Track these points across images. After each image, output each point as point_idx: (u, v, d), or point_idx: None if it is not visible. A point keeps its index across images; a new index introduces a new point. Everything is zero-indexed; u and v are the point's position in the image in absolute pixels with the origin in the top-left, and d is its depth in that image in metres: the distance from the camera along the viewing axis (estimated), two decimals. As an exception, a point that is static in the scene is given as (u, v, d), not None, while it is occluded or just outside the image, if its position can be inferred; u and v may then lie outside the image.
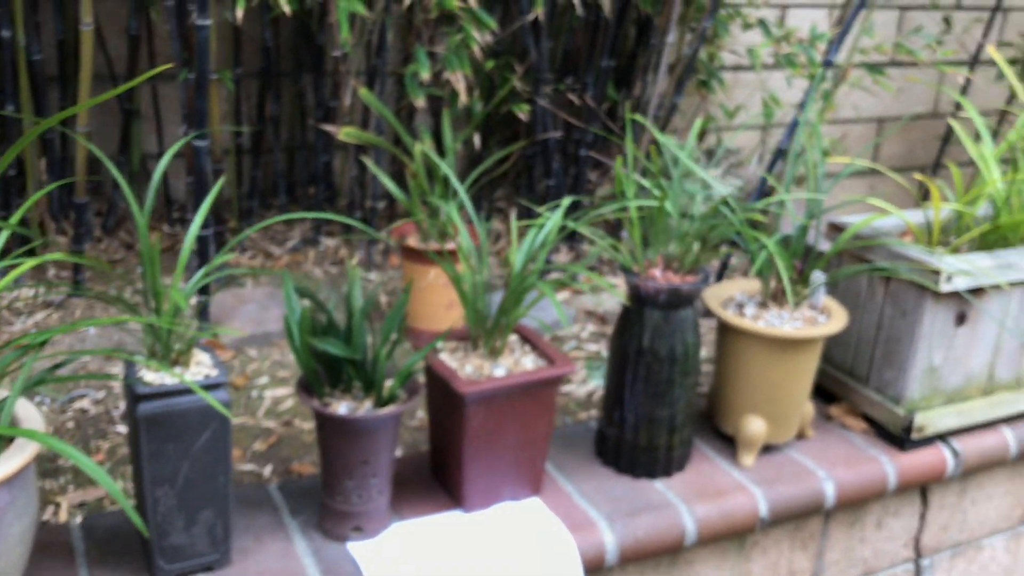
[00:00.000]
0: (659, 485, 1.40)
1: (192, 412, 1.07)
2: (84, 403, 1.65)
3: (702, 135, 2.78)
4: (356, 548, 1.22)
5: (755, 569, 1.50)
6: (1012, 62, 2.99)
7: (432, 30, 2.12)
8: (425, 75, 1.97)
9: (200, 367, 1.11)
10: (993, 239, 1.53)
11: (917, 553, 1.68)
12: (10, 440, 0.99)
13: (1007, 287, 1.49)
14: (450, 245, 1.76)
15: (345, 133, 1.96)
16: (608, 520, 1.31)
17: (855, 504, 1.53)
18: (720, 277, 2.07)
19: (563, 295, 2.17)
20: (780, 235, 1.38)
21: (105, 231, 2.17)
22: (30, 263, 1.05)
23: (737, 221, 1.36)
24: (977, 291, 1.48)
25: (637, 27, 2.39)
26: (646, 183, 1.37)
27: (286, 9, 1.76)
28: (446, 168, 1.47)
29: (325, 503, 1.23)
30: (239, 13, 1.75)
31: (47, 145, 1.98)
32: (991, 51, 1.76)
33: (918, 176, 1.58)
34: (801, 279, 1.44)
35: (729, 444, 1.50)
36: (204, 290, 1.83)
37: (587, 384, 1.79)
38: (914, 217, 1.58)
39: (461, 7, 1.92)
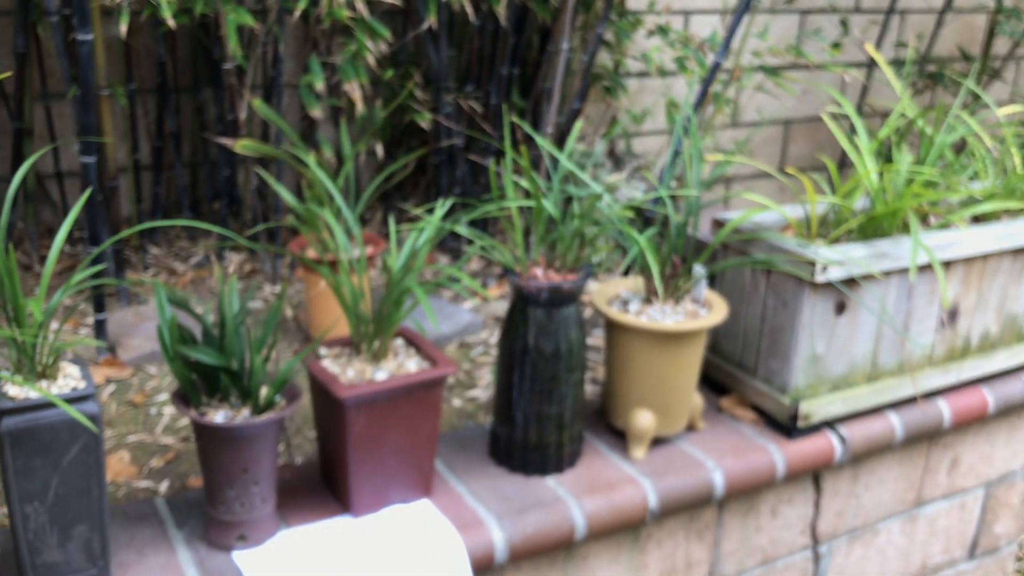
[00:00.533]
0: (550, 482, 1.41)
1: (59, 426, 1.06)
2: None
3: (611, 140, 2.83)
4: (241, 557, 1.21)
5: (651, 562, 1.52)
6: (909, 62, 3.09)
7: (328, 40, 2.12)
8: (319, 85, 1.97)
9: (68, 380, 1.10)
10: (870, 230, 1.58)
11: (814, 540, 1.72)
12: None
13: (882, 276, 1.54)
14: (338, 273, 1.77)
15: (241, 146, 1.95)
16: (497, 518, 1.32)
17: (747, 493, 1.57)
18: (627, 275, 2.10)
19: (472, 301, 2.18)
20: (653, 231, 1.41)
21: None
22: None
23: (616, 219, 1.39)
24: (855, 280, 1.52)
25: (540, 35, 2.42)
26: (525, 184, 1.39)
27: (171, 23, 1.75)
28: (324, 178, 1.48)
29: (209, 513, 1.23)
30: (123, 28, 1.74)
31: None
32: (868, 48, 1.81)
33: (790, 170, 1.62)
34: (682, 274, 1.47)
35: (621, 439, 1.53)
36: (100, 307, 1.81)
37: (491, 390, 1.80)
38: (795, 212, 1.63)
39: (352, 17, 1.93)
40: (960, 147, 1.90)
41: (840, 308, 1.54)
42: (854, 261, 1.48)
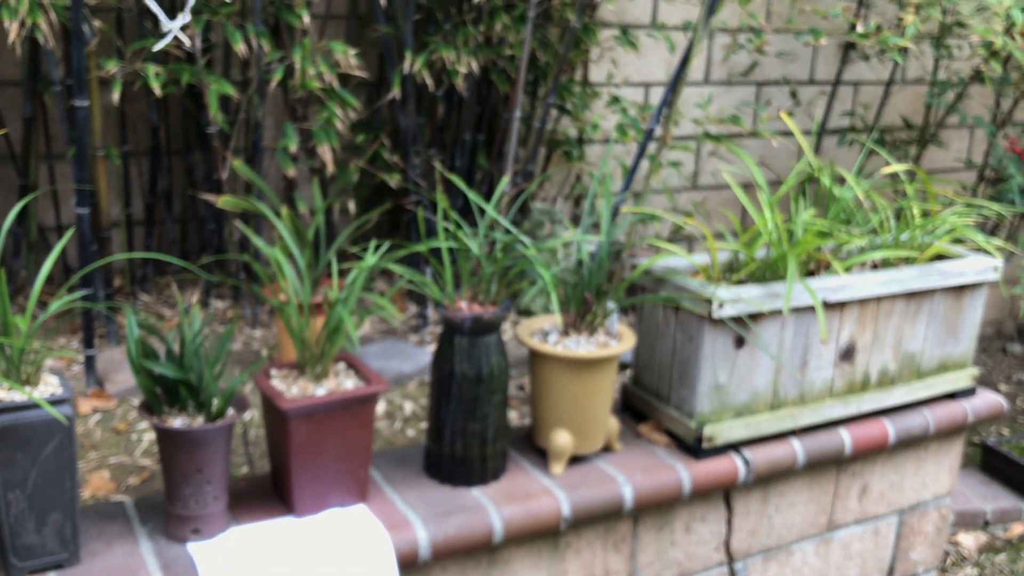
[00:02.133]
0: (475, 492, 1.60)
1: (39, 424, 1.26)
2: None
3: (577, 200, 3.05)
4: (194, 548, 1.40)
5: (571, 569, 1.69)
6: (849, 130, 3.33)
7: (305, 108, 2.36)
8: (293, 148, 2.20)
9: (48, 387, 1.30)
10: (767, 274, 1.78)
11: (729, 557, 1.89)
12: None
13: (774, 314, 1.74)
14: (317, 298, 1.98)
15: (223, 201, 2.18)
16: (423, 520, 1.51)
17: (659, 508, 1.74)
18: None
19: (434, 347, 2.38)
20: (557, 270, 1.62)
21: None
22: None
23: (533, 258, 1.59)
24: (756, 317, 1.72)
25: (505, 104, 2.66)
26: (452, 230, 1.61)
27: (157, 91, 1.99)
28: (282, 228, 1.69)
29: (168, 510, 1.42)
30: (116, 96, 1.98)
31: (-52, 219, 2.17)
32: (782, 116, 2.04)
33: (690, 220, 1.83)
34: (596, 309, 1.67)
35: (545, 457, 1.71)
36: (90, 344, 2.02)
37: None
38: (702, 259, 1.83)
39: (323, 88, 2.17)
40: (899, 209, 2.09)
41: (740, 342, 1.73)
42: (746, 300, 1.68)
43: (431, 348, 2.37)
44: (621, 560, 1.75)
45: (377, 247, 1.59)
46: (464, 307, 1.57)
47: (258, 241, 1.93)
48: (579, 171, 3.02)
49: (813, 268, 1.89)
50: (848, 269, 1.87)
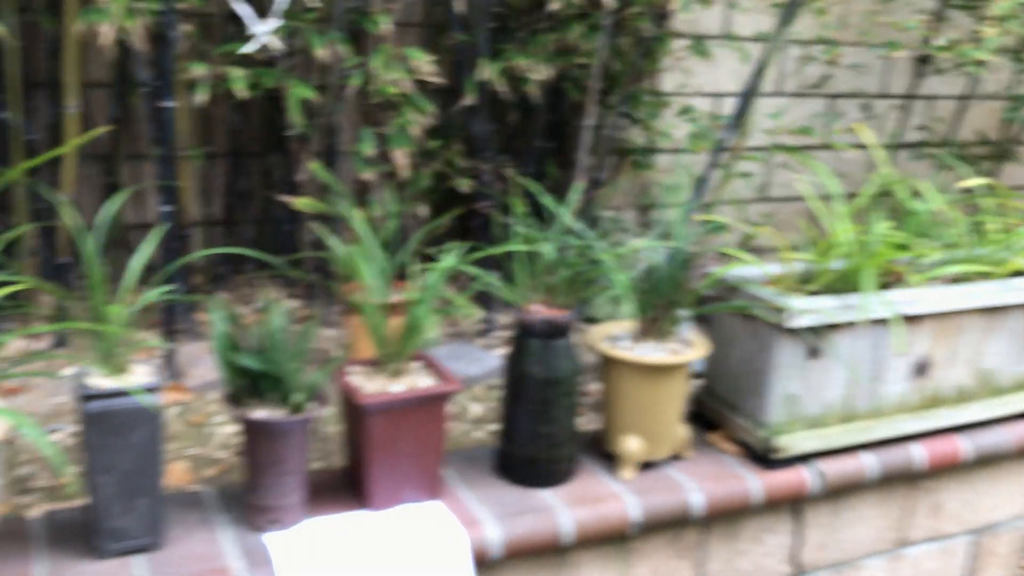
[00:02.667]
0: (544, 493, 1.61)
1: (130, 412, 1.30)
2: (60, 436, 1.88)
3: (644, 209, 3.06)
4: (271, 538, 1.43)
5: (638, 575, 1.70)
6: (928, 143, 3.28)
7: (380, 114, 2.41)
8: (369, 152, 2.24)
9: (139, 376, 1.35)
10: (842, 285, 1.77)
11: (797, 568, 1.88)
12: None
13: (850, 326, 1.72)
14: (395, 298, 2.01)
15: (301, 203, 2.23)
16: (495, 519, 1.53)
17: (728, 517, 1.74)
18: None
19: (502, 350, 2.41)
20: (633, 275, 1.63)
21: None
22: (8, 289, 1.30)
23: (607, 264, 1.61)
24: (829, 328, 1.71)
25: (574, 114, 2.68)
26: (531, 233, 1.63)
27: (243, 94, 2.04)
28: (363, 229, 1.72)
29: (248, 500, 1.45)
30: (202, 98, 2.04)
31: (38, 215, 2.25)
32: (856, 128, 2.02)
33: (763, 229, 1.83)
34: (667, 317, 1.67)
35: (613, 462, 1.72)
36: (171, 339, 2.08)
37: (511, 424, 2.01)
38: (777, 269, 1.83)
39: (399, 93, 2.21)
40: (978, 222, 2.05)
41: (813, 353, 1.72)
42: (821, 311, 1.67)
43: (498, 352, 2.39)
44: (688, 568, 1.74)
45: (452, 250, 1.61)
46: (538, 310, 1.59)
47: (334, 243, 1.98)
48: (646, 180, 3.03)
49: (888, 281, 1.87)
50: (924, 283, 1.85)
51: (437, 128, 2.59)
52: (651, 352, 1.64)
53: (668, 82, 2.97)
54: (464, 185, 2.48)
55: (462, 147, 2.53)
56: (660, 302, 1.65)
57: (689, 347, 1.68)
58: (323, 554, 1.41)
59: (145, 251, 1.41)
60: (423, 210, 2.55)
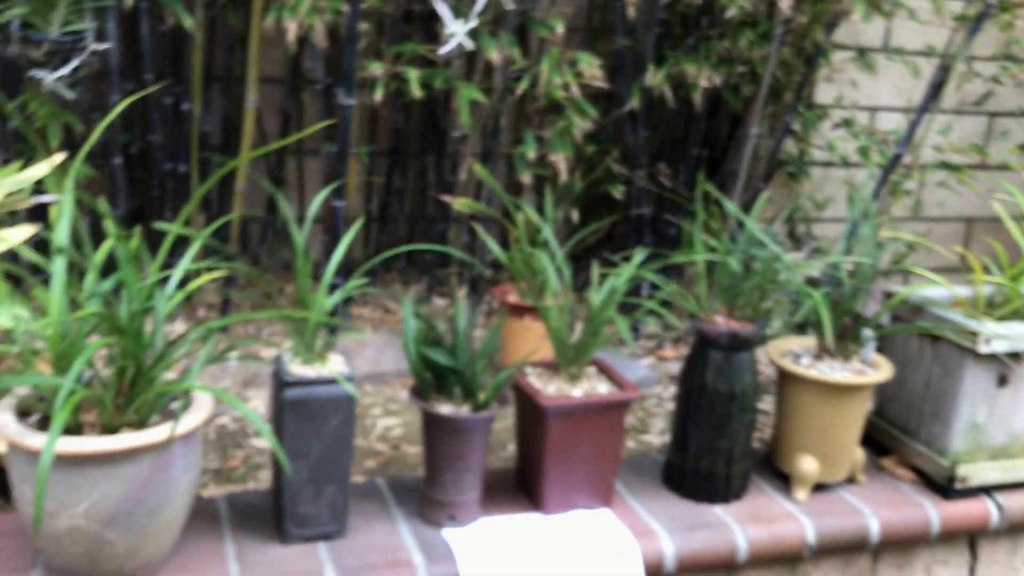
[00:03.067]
0: (717, 509, 1.58)
1: (326, 399, 1.32)
2: (224, 419, 1.93)
3: (791, 223, 2.98)
4: (449, 533, 1.44)
5: (805, 598, 1.65)
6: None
7: (541, 117, 2.41)
8: (531, 155, 2.24)
9: (334, 365, 1.37)
10: (1036, 311, 1.69)
11: (967, 606, 1.79)
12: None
13: (1047, 354, 1.64)
14: (546, 302, 2.01)
15: (460, 203, 2.25)
16: (668, 532, 1.50)
17: (901, 546, 1.67)
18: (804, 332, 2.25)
19: (649, 359, 2.38)
20: (826, 290, 1.58)
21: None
22: (214, 275, 1.34)
23: (794, 277, 1.56)
24: (1017, 356, 1.63)
25: (730, 123, 2.64)
26: (713, 242, 1.60)
27: (417, 94, 2.07)
28: (547, 231, 1.72)
29: (425, 494, 1.46)
30: (378, 97, 2.08)
31: (207, 204, 2.33)
32: (1015, 164, 1.93)
33: (957, 249, 1.75)
34: (851, 336, 1.62)
35: (786, 482, 1.67)
36: (332, 331, 2.12)
37: (664, 436, 1.98)
38: (962, 291, 1.75)
39: (566, 97, 2.21)
40: None
41: (1002, 380, 1.64)
42: (1015, 337, 1.59)
43: (645, 361, 2.37)
44: (856, 596, 1.69)
45: (635, 256, 1.59)
46: (720, 321, 1.56)
47: (493, 245, 1.98)
48: (795, 193, 2.95)
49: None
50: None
51: (591, 133, 2.58)
52: (834, 371, 1.59)
53: (822, 94, 2.89)
54: (617, 191, 2.46)
55: (616, 153, 2.52)
56: (847, 320, 1.60)
57: (873, 368, 1.62)
58: (500, 553, 1.41)
59: (344, 243, 1.43)
60: (575, 215, 2.54)
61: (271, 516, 1.45)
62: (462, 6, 2.00)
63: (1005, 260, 1.74)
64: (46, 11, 1.71)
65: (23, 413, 1.24)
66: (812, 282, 2.23)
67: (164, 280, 1.28)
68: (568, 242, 2.20)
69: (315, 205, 1.44)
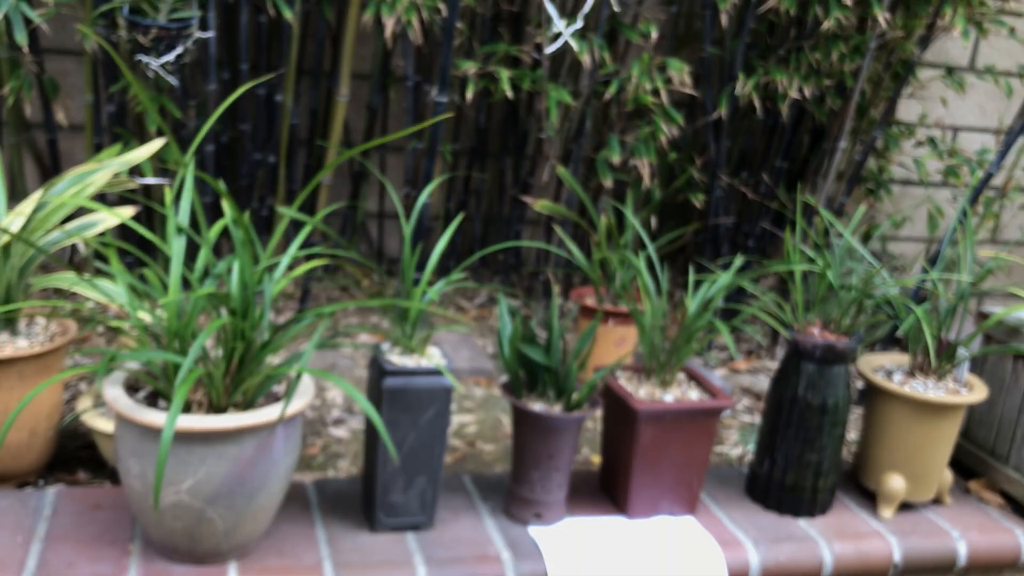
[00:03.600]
0: (802, 523, 1.56)
1: (423, 390, 1.33)
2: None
3: (867, 239, 2.95)
4: (536, 532, 1.44)
5: (886, 619, 1.62)
6: None
7: (624, 122, 2.40)
8: (616, 159, 2.24)
9: (432, 358, 1.38)
10: None
11: (1050, 637, 1.75)
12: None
13: None
14: (621, 308, 2.00)
15: (540, 205, 2.25)
16: (754, 543, 1.49)
17: (986, 572, 1.64)
18: (885, 348, 2.22)
19: (722, 371, 2.36)
20: (928, 304, 1.56)
21: (327, 271, 2.53)
22: (315, 262, 1.35)
23: (890, 291, 1.54)
24: (1119, 384, 1.60)
25: (811, 135, 2.61)
26: (810, 253, 1.58)
27: (509, 93, 2.07)
28: (637, 224, 1.72)
29: (512, 491, 1.47)
30: (469, 96, 2.09)
31: (290, 196, 2.35)
32: None
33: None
34: (946, 355, 1.60)
35: (870, 499, 1.65)
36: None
37: (738, 448, 1.96)
38: (1061, 313, 1.72)
39: (655, 103, 2.20)
40: None
41: (1101, 408, 1.61)
42: (1121, 363, 1.56)
43: (718, 372, 2.35)
44: (938, 620, 1.65)
45: (732, 263, 1.58)
46: (815, 333, 1.54)
47: (575, 249, 1.98)
48: (876, 209, 2.92)
49: None
50: None
51: (674, 141, 2.58)
52: (927, 389, 1.57)
53: (903, 111, 2.86)
54: (698, 200, 2.45)
55: (699, 162, 2.51)
56: (944, 338, 1.58)
57: (967, 388, 1.59)
58: (586, 554, 1.40)
59: (444, 240, 1.44)
60: (653, 221, 2.54)
61: (359, 504, 1.46)
62: (566, 6, 2.00)
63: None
64: (155, -2, 1.74)
65: (131, 388, 1.26)
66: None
67: (271, 266, 1.30)
68: (646, 249, 2.19)
69: (421, 199, 1.44)
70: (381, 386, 1.32)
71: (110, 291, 1.48)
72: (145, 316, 1.21)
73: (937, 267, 1.63)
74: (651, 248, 1.63)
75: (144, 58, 1.77)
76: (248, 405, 1.23)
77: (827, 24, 2.13)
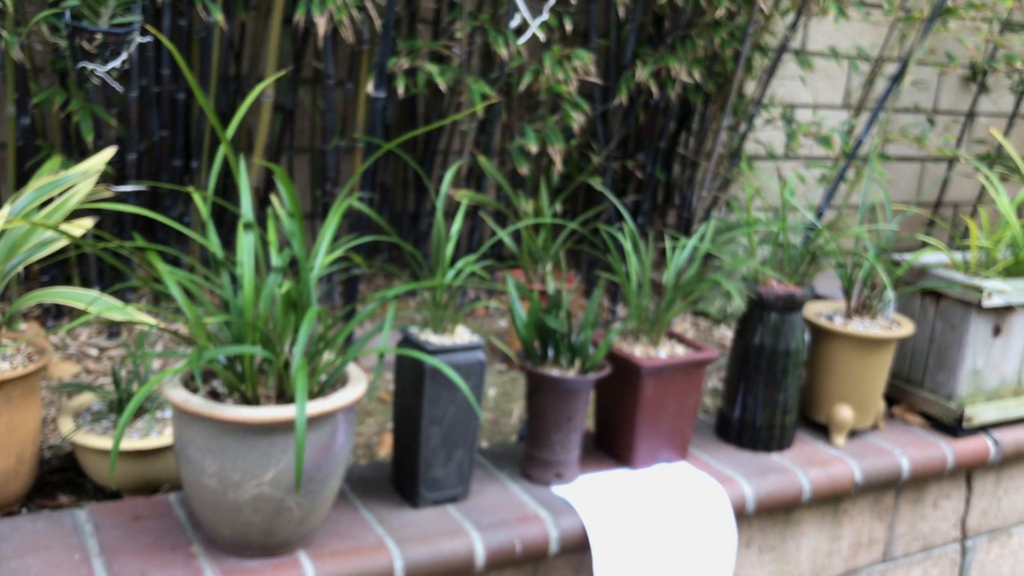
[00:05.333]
0: (775, 457, 1.74)
1: (460, 366, 1.40)
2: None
3: (731, 210, 3.22)
4: (560, 490, 1.54)
5: (845, 533, 1.83)
6: (985, 156, 3.51)
7: (529, 113, 2.53)
8: (533, 148, 2.36)
9: (462, 337, 1.45)
10: (1015, 271, 1.94)
11: (963, 534, 2.03)
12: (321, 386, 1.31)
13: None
14: (539, 286, 2.13)
15: (462, 195, 2.34)
16: (744, 477, 1.65)
17: (918, 482, 1.89)
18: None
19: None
20: (875, 250, 1.78)
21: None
22: (358, 241, 1.39)
23: (832, 246, 1.75)
24: (1007, 310, 1.88)
25: (677, 119, 2.82)
26: (762, 216, 1.76)
27: (443, 88, 2.15)
28: (610, 197, 1.84)
29: (531, 455, 1.56)
30: (400, 90, 2.15)
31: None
32: (994, 132, 2.21)
33: (939, 221, 1.99)
34: (874, 298, 1.82)
35: (821, 431, 1.86)
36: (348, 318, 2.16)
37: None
38: (951, 256, 1.99)
39: (563, 92, 2.34)
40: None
41: (996, 331, 1.89)
42: (1010, 292, 1.84)
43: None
44: (883, 529, 1.89)
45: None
46: (775, 285, 1.73)
47: (506, 238, 2.09)
48: (739, 183, 3.19)
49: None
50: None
51: (566, 128, 2.72)
52: (867, 328, 1.79)
53: (750, 91, 3.14)
54: (596, 183, 2.61)
55: (594, 146, 2.67)
56: (877, 281, 1.80)
57: (896, 325, 1.83)
58: (611, 505, 1.52)
59: (455, 228, 1.51)
60: (559, 206, 2.67)
61: (388, 485, 1.51)
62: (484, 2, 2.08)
63: (975, 232, 1.99)
64: (97, 4, 1.70)
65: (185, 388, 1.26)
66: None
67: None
68: (566, 229, 2.33)
69: (445, 189, 1.50)
70: (422, 365, 1.38)
71: (77, 295, 1.47)
72: (208, 317, 1.22)
73: (858, 220, 1.85)
74: (631, 224, 1.76)
75: (89, 65, 1.72)
76: (320, 392, 1.26)
77: (719, 13, 2.33)
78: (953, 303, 1.88)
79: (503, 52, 2.23)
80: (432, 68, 2.16)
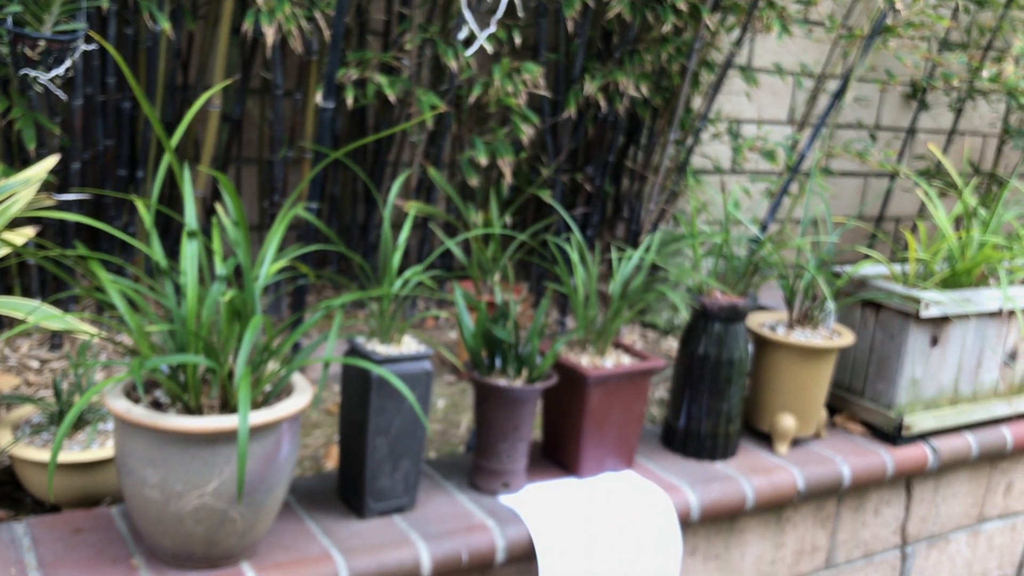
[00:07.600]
0: (719, 465, 1.77)
1: (406, 376, 1.40)
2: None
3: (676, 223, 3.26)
4: (507, 500, 1.55)
5: (788, 541, 1.86)
6: (925, 172, 3.60)
7: (479, 126, 2.54)
8: (483, 160, 2.37)
9: (409, 346, 1.45)
10: (951, 282, 1.99)
11: (903, 540, 2.07)
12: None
13: (968, 317, 1.95)
14: (487, 297, 2.14)
15: (410, 206, 2.34)
16: (689, 486, 1.67)
17: (859, 489, 1.93)
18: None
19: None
20: (816, 262, 1.81)
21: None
22: (304, 250, 1.39)
23: (775, 258, 1.79)
24: (944, 320, 1.93)
25: (625, 133, 2.86)
26: (707, 229, 1.79)
27: (392, 98, 2.15)
28: (575, 229, 1.86)
29: (479, 464, 1.56)
30: (349, 101, 2.15)
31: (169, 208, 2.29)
32: (932, 148, 2.27)
33: (882, 235, 2.04)
34: (815, 308, 1.86)
35: (764, 439, 1.89)
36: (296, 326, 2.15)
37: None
38: (897, 268, 2.04)
39: (516, 104, 2.35)
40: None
41: (934, 341, 1.93)
42: (947, 303, 1.89)
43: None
44: (825, 536, 1.92)
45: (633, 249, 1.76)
46: (720, 296, 1.76)
47: (455, 248, 2.10)
48: (687, 197, 3.23)
49: (976, 280, 2.10)
50: (1012, 282, 2.09)
51: (516, 141, 2.74)
52: (808, 338, 1.82)
53: (696, 107, 3.19)
54: (545, 195, 2.63)
55: (543, 159, 2.69)
56: (817, 292, 1.84)
57: (836, 335, 1.87)
58: (558, 514, 1.53)
59: (401, 238, 1.52)
60: (508, 219, 2.68)
61: (334, 496, 1.51)
62: (434, 13, 2.10)
63: (913, 244, 2.04)
64: (40, 10, 1.68)
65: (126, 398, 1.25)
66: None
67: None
68: (515, 241, 2.34)
69: (391, 198, 1.50)
70: (369, 375, 1.38)
71: (17, 305, 1.45)
72: (150, 325, 1.21)
73: (800, 233, 1.89)
74: (579, 237, 1.78)
75: (32, 72, 1.70)
76: (263, 403, 1.26)
77: (666, 28, 2.37)
78: (892, 314, 1.92)
79: (452, 64, 2.24)
80: (382, 79, 2.16)
